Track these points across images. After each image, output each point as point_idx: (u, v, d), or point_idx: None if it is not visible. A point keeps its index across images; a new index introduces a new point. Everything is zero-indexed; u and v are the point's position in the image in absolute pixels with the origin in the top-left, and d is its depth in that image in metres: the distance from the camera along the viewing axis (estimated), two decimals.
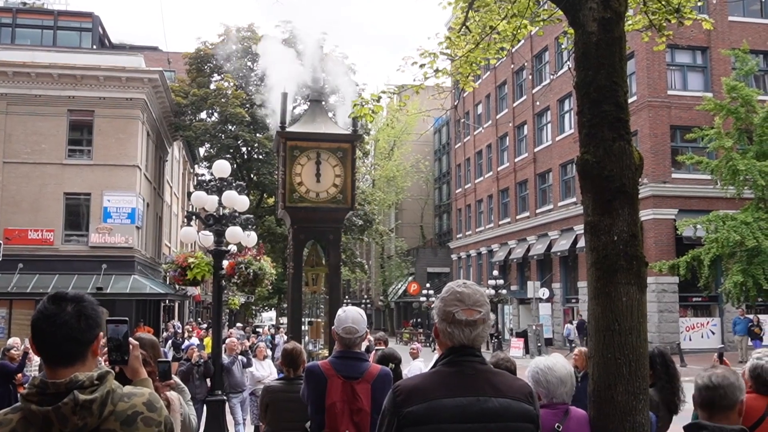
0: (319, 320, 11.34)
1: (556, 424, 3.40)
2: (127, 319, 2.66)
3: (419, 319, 56.78)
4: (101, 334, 2.26)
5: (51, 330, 2.15)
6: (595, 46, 3.67)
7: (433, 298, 50.19)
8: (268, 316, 70.76)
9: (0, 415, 2.14)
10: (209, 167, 39.32)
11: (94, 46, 34.80)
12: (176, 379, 4.13)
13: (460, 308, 2.66)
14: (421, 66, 6.47)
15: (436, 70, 6.50)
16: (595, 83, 3.64)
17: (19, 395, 2.15)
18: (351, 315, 4.43)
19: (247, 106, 38.61)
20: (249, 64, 41.22)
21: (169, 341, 23.21)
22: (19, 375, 10.94)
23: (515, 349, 32.20)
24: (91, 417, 2.09)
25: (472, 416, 2.54)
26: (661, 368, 4.57)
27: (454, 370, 2.64)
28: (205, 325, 32.15)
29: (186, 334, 25.51)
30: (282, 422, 5.40)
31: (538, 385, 3.50)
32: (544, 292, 35.11)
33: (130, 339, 2.67)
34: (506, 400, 2.59)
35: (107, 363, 2.56)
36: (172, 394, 3.78)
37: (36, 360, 11.47)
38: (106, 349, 2.57)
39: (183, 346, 17.36)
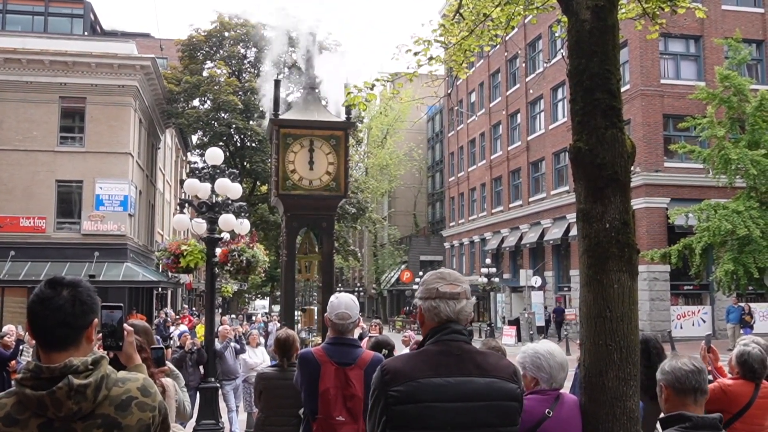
0: (313, 307, 11.37)
1: (547, 410, 3.42)
2: (121, 305, 2.67)
3: (412, 308, 56.91)
4: (96, 320, 2.27)
5: (45, 314, 2.16)
6: (588, 34, 3.67)
7: None
8: (261, 304, 70.79)
9: None
10: (202, 155, 39.26)
11: (86, 33, 34.55)
12: (170, 365, 4.15)
13: (444, 283, 2.76)
14: (415, 54, 6.46)
15: (430, 58, 6.50)
16: (588, 71, 3.64)
17: (13, 380, 2.16)
18: (344, 301, 4.45)
19: (240, 93, 38.47)
20: (242, 51, 41.07)
21: (159, 327, 23.27)
22: (13, 362, 10.94)
23: (507, 336, 32.34)
24: (86, 402, 2.10)
25: (458, 395, 2.60)
26: (642, 355, 4.55)
27: (441, 350, 2.70)
28: (193, 312, 32.21)
29: (173, 322, 25.54)
30: (276, 408, 5.43)
31: (540, 371, 3.51)
32: (536, 281, 35.23)
33: (125, 325, 2.68)
34: (492, 380, 2.66)
35: (101, 349, 2.57)
36: (167, 380, 3.80)
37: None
38: (100, 334, 2.58)
39: (177, 334, 17.39)
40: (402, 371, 2.63)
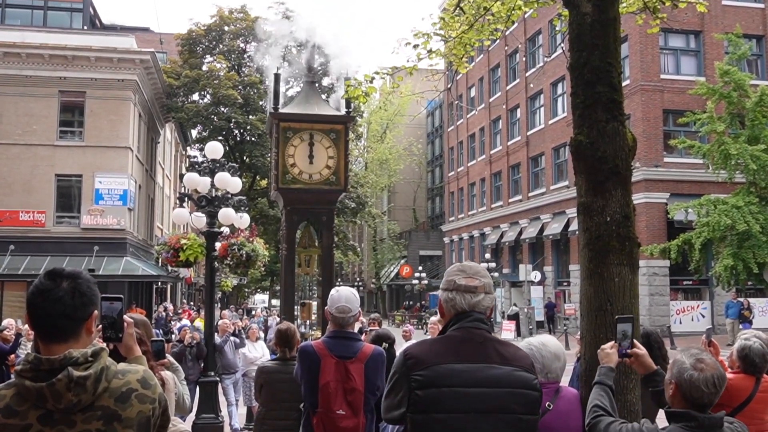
0: (310, 301, 11.36)
1: (547, 403, 3.43)
2: (121, 296, 2.66)
3: (411, 302, 56.96)
4: (96, 311, 2.26)
5: (45, 305, 2.15)
6: (589, 27, 3.67)
7: (426, 281, 50.39)
8: (261, 299, 70.87)
9: None
10: (201, 149, 39.23)
11: (85, 27, 34.50)
12: (170, 358, 4.14)
13: (462, 276, 2.79)
14: (415, 46, 6.45)
15: (430, 51, 6.49)
16: (589, 64, 3.64)
17: (13, 371, 2.15)
18: (344, 294, 4.44)
19: (240, 88, 38.41)
20: (242, 45, 41.00)
21: (161, 321, 23.25)
22: (12, 356, 10.93)
23: (507, 331, 32.36)
24: (85, 393, 2.09)
25: (480, 381, 2.64)
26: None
27: (464, 336, 2.73)
28: (191, 307, 32.19)
29: (174, 316, 25.53)
30: (277, 402, 5.43)
31: (534, 361, 3.53)
32: (535, 275, 35.27)
33: (125, 317, 2.67)
34: (512, 368, 2.70)
35: (101, 340, 2.56)
36: (166, 374, 3.79)
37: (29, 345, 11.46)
38: (100, 326, 2.57)
39: (178, 327, 17.42)
40: (425, 356, 2.67)
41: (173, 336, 17.66)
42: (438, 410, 2.60)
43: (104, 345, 2.26)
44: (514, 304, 38.34)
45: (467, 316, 2.75)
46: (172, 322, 23.34)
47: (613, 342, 3.25)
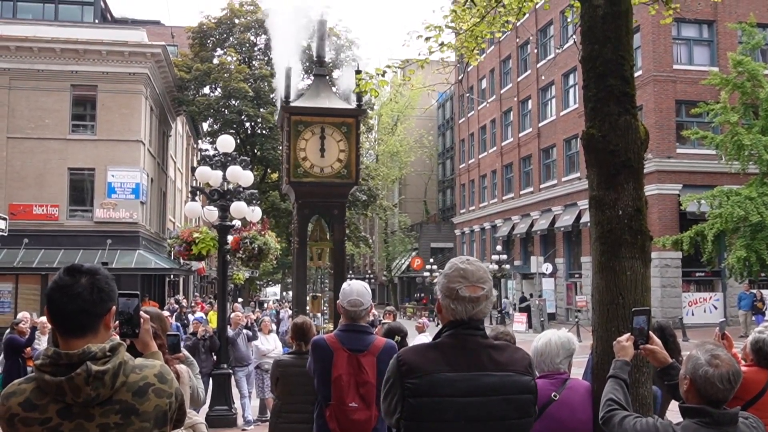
0: (320, 295, 11.41)
1: (553, 393, 3.45)
2: (138, 293, 2.69)
3: (423, 294, 57.01)
4: (114, 307, 2.29)
5: (64, 301, 2.18)
6: (601, 20, 3.66)
7: (437, 273, 50.35)
8: (272, 291, 71.09)
9: (14, 385, 2.18)
10: (213, 142, 39.28)
11: (96, 21, 34.59)
12: (185, 352, 4.18)
13: (464, 285, 2.69)
14: (426, 39, 6.45)
15: (441, 44, 6.48)
16: (601, 57, 3.63)
17: (32, 366, 2.18)
18: (356, 288, 4.46)
19: (251, 81, 38.44)
20: (252, 38, 41.00)
21: (175, 314, 23.34)
22: (28, 349, 11.03)
23: (518, 323, 32.33)
24: (104, 388, 2.12)
25: (472, 390, 2.61)
26: None
27: (457, 344, 2.69)
28: (204, 299, 32.26)
29: (188, 308, 25.58)
30: (293, 395, 5.47)
31: (538, 354, 3.59)
32: (547, 267, 35.20)
33: (141, 312, 2.70)
34: (507, 374, 2.66)
35: (118, 336, 2.59)
36: (181, 367, 3.83)
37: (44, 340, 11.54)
38: (117, 322, 2.60)
39: (193, 320, 17.47)
40: (418, 364, 2.64)
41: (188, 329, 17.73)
42: (429, 419, 2.60)
43: (121, 340, 2.29)
44: (506, 297, 38.98)
45: (464, 323, 2.70)
46: (186, 314, 23.45)
47: (628, 335, 3.25)
